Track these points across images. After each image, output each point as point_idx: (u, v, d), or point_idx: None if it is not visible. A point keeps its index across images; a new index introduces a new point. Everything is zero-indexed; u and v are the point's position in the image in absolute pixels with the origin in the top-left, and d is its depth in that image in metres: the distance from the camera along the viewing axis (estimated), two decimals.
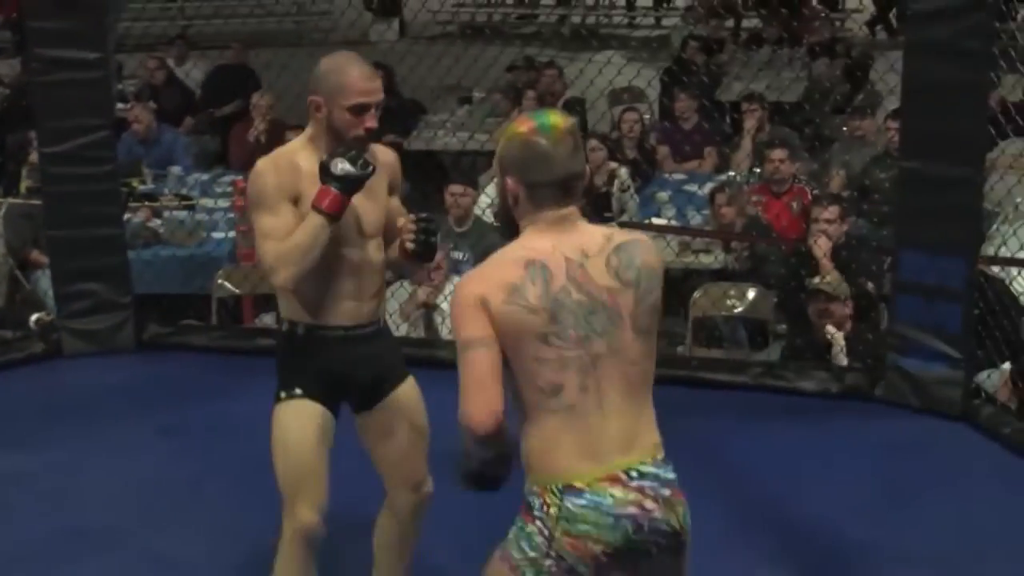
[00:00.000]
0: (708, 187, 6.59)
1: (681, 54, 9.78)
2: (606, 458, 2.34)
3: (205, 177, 7.29)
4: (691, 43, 9.84)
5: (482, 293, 2.31)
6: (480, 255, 5.89)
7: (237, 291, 5.97)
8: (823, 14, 11.78)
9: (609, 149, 7.04)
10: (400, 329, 5.35)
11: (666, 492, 2.38)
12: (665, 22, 14.30)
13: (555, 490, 2.33)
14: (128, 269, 5.59)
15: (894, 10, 12.93)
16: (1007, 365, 4.85)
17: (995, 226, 5.74)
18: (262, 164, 3.07)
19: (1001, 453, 4.54)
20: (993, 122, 5.00)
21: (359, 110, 2.98)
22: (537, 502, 2.35)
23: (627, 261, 2.39)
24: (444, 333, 5.42)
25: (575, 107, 8.53)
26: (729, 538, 3.88)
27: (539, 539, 2.33)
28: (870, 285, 5.40)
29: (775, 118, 7.90)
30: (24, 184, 6.68)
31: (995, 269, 5.28)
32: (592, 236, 2.41)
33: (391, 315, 5.53)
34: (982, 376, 4.90)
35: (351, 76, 2.98)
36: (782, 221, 6.22)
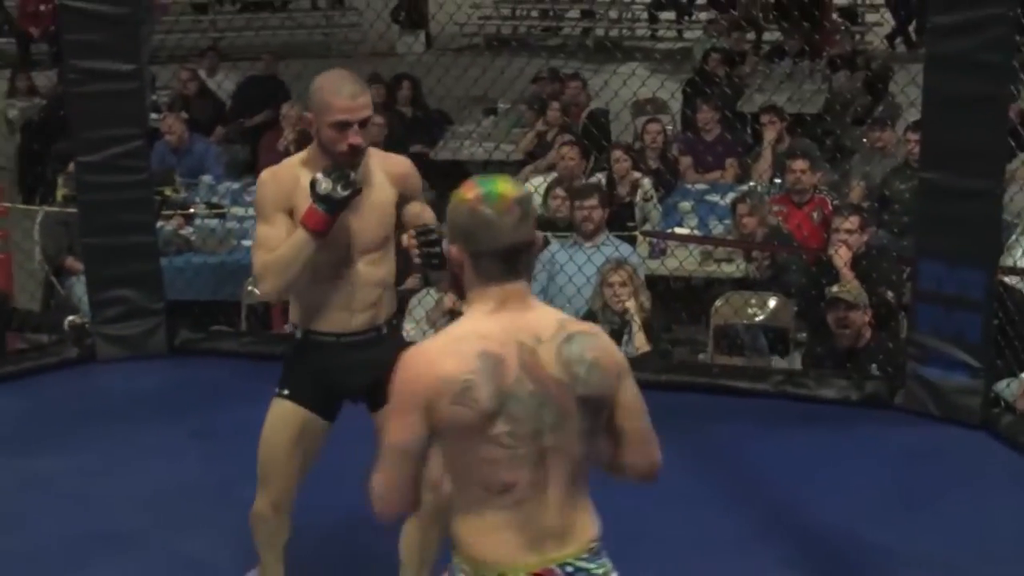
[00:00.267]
0: (730, 197, 6.64)
1: (703, 66, 9.84)
2: (542, 550, 2.25)
3: (236, 186, 7.36)
4: (713, 55, 9.90)
5: (428, 396, 2.17)
6: None
7: (266, 298, 6.05)
8: (843, 27, 11.80)
9: (632, 159, 7.12)
10: (427, 335, 5.43)
11: None
12: (687, 35, 14.36)
13: None
14: (160, 276, 5.68)
15: (913, 24, 12.97)
16: None
17: (1014, 237, 5.77)
18: (265, 174, 3.20)
19: (1019, 461, 4.56)
20: (1013, 134, 5.03)
21: (341, 127, 3.05)
22: None
23: (578, 354, 2.24)
24: None
25: (599, 118, 8.61)
26: (747, 543, 3.94)
27: None
28: (890, 294, 5.45)
29: (796, 130, 7.96)
30: (60, 192, 6.80)
31: (1014, 279, 5.33)
32: (545, 319, 2.27)
33: (419, 322, 5.63)
34: (1001, 385, 4.92)
35: (334, 94, 3.05)
36: (803, 231, 6.27)
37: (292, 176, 3.14)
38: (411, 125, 8.98)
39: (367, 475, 2.26)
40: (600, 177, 7.20)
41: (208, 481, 4.42)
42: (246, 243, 6.45)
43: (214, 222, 6.66)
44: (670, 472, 4.47)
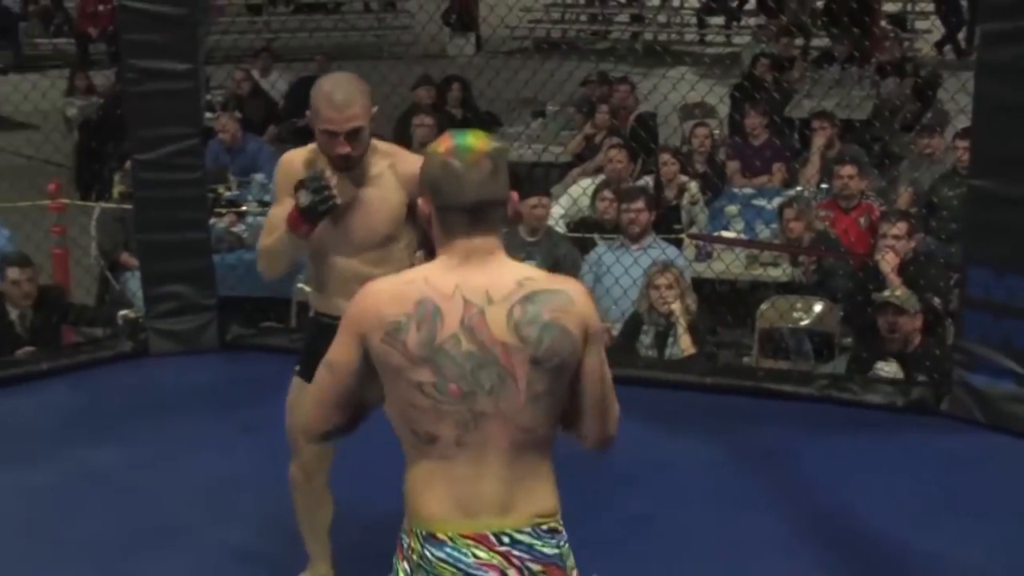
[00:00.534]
0: (777, 201, 6.65)
1: (752, 71, 9.84)
2: (478, 517, 2.18)
3: None
4: (762, 60, 9.90)
5: (364, 327, 2.18)
6: (552, 264, 6.04)
7: (308, 289, 6.11)
8: (893, 34, 11.76)
9: (680, 163, 7.14)
10: None
11: (535, 567, 2.19)
12: (736, 40, 14.35)
13: (419, 535, 2.20)
14: (213, 272, 5.75)
15: (963, 31, 12.89)
16: None
17: None
18: (284, 157, 3.31)
19: None
20: None
21: (330, 135, 3.08)
22: (406, 542, 2.24)
23: (532, 315, 2.15)
24: None
25: (647, 121, 8.64)
26: (789, 546, 3.96)
27: None
28: (937, 301, 5.44)
29: (845, 136, 7.94)
30: (117, 189, 6.92)
31: None
32: (503, 278, 2.18)
33: None
34: None
35: (325, 102, 3.06)
36: (850, 236, 6.27)
37: (307, 161, 3.21)
38: (460, 126, 9.00)
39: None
40: (647, 180, 7.23)
41: (258, 475, 4.45)
42: None
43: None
44: (714, 473, 4.55)
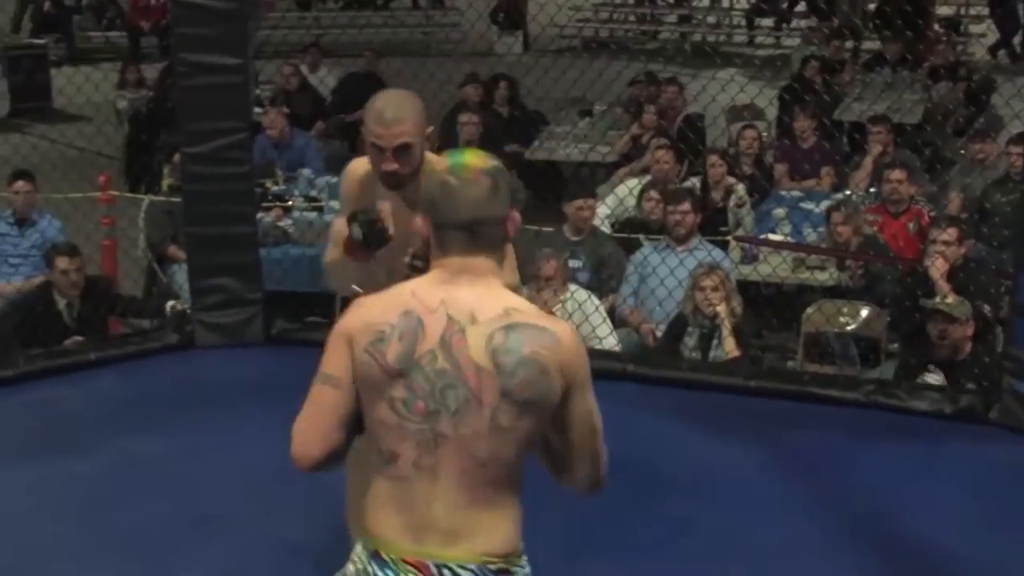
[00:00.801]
0: (824, 205, 6.60)
1: (801, 73, 9.78)
2: (423, 543, 2.15)
3: (334, 180, 7.41)
4: (811, 63, 9.83)
5: (352, 332, 2.18)
6: (596, 264, 6.02)
7: (360, 291, 6.14)
8: (946, 37, 11.63)
9: (727, 165, 7.11)
10: None
11: None
12: (786, 42, 14.27)
13: (367, 548, 2.21)
14: (259, 266, 5.76)
15: (1018, 36, 12.74)
16: None
17: None
18: (350, 165, 3.27)
19: None
20: None
21: (378, 150, 3.04)
22: (358, 548, 2.25)
23: (512, 345, 2.10)
24: None
25: (695, 122, 8.61)
26: (833, 552, 3.93)
27: None
28: (987, 308, 5.38)
29: (897, 140, 7.87)
30: (166, 182, 6.98)
31: None
32: (491, 301, 2.15)
33: None
34: None
35: (374, 116, 3.01)
36: (899, 241, 6.22)
37: (364, 173, 3.18)
38: (507, 124, 9.06)
39: None
40: (694, 181, 7.20)
41: None
42: None
43: (312, 215, 6.76)
44: (756, 476, 4.52)
